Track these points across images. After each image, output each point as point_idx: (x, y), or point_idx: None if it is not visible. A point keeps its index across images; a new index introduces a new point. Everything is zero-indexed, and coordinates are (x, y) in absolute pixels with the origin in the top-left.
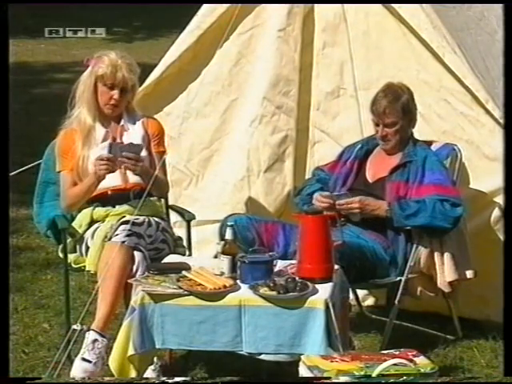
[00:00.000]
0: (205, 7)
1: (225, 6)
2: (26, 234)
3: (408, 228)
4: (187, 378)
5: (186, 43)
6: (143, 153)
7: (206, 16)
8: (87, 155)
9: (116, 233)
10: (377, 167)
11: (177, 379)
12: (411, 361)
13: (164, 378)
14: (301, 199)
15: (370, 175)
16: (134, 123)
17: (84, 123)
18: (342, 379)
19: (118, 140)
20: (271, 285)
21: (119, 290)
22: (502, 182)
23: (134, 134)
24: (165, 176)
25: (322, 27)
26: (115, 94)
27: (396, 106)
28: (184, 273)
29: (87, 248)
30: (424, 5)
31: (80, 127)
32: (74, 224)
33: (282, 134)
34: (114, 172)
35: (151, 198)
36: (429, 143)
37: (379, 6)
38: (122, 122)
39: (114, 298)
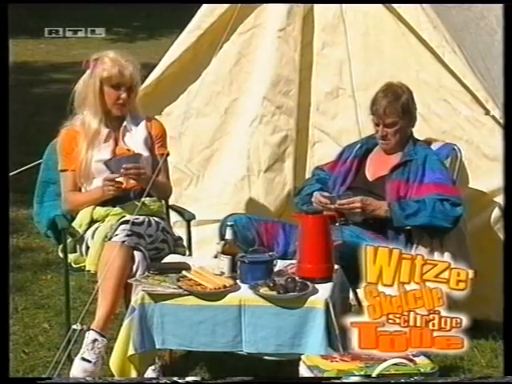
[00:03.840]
0: (205, 7)
1: (225, 6)
2: (26, 233)
3: (408, 228)
4: (198, 378)
5: (186, 43)
6: (146, 153)
7: (206, 16)
8: (91, 157)
9: (116, 233)
10: (377, 166)
11: (188, 379)
12: (411, 360)
13: (175, 378)
14: (300, 199)
15: (370, 174)
16: (137, 124)
17: (89, 126)
18: (353, 379)
19: (121, 141)
20: (271, 285)
21: (119, 289)
22: (502, 182)
23: (136, 134)
24: (167, 180)
25: (321, 27)
26: (122, 93)
27: (396, 106)
28: (184, 273)
29: (87, 248)
30: (424, 5)
31: (85, 131)
32: (74, 224)
33: (282, 133)
34: (120, 191)
35: (151, 198)
36: (428, 143)
37: (378, 5)
38: (124, 123)
39: (114, 297)
